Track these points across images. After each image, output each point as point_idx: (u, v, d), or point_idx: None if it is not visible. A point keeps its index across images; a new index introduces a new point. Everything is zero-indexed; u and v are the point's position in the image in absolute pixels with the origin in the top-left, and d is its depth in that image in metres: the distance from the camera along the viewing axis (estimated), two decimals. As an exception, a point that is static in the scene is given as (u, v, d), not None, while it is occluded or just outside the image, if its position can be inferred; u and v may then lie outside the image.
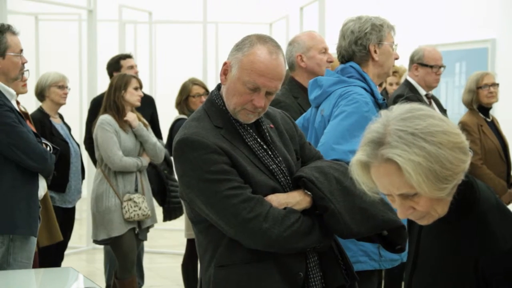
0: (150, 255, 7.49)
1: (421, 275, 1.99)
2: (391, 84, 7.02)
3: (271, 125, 2.48)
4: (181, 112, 6.17)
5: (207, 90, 6.16)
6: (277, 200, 2.35)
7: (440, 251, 1.95)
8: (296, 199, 2.37)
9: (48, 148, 4.01)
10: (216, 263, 2.39)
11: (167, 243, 9.30)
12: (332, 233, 2.40)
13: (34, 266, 4.13)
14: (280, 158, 2.42)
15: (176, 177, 6.06)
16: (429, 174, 1.78)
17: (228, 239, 2.34)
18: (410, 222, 2.09)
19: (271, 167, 2.39)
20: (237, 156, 2.35)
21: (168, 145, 6.24)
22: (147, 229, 5.84)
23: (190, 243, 6.08)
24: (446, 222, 1.91)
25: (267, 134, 2.44)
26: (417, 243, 2.05)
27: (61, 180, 5.44)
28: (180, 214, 6.27)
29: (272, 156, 2.41)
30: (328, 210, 2.34)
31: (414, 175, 1.78)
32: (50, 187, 4.69)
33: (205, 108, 2.45)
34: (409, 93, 5.17)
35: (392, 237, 2.46)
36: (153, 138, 5.77)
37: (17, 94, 4.11)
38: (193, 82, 6.17)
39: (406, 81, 5.40)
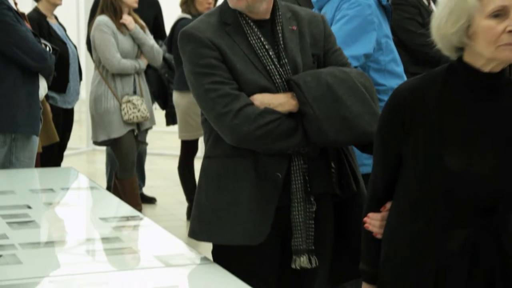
0: (150, 157, 7.57)
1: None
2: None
3: (294, 27, 2.46)
4: (186, 11, 6.10)
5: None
6: (260, 99, 2.37)
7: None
8: (280, 101, 2.38)
9: (48, 49, 4.02)
10: (205, 154, 2.50)
11: (166, 144, 9.39)
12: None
13: (36, 166, 4.20)
14: (285, 60, 2.42)
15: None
16: None
17: (216, 132, 2.41)
18: None
19: (268, 67, 2.40)
20: (231, 52, 2.38)
21: (168, 45, 6.20)
22: (146, 131, 5.89)
23: (185, 144, 6.15)
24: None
25: (280, 35, 2.44)
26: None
27: (61, 80, 5.45)
28: (182, 117, 6.30)
29: (273, 56, 2.41)
30: (306, 115, 2.36)
31: None
32: (51, 87, 4.71)
33: (221, 5, 2.48)
34: None
35: (368, 150, 2.47)
36: (150, 40, 5.75)
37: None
38: None
39: None
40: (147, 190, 6.79)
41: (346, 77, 2.40)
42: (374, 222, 2.22)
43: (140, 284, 2.11)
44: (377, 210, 2.23)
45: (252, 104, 2.36)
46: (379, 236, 2.21)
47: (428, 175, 2.07)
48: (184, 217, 6.08)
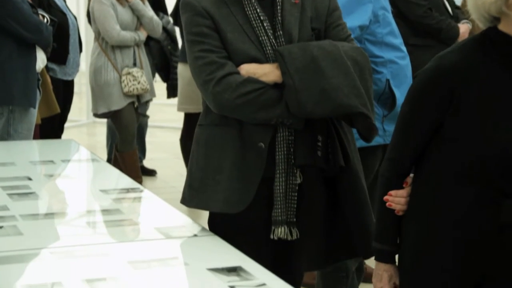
0: (151, 129, 7.58)
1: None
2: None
3: (296, 0, 2.46)
4: None
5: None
6: (246, 68, 2.38)
7: None
8: (264, 71, 2.38)
9: (45, 20, 4.00)
10: (198, 122, 2.54)
11: (166, 117, 9.39)
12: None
13: (35, 138, 4.20)
14: (280, 32, 2.42)
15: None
16: None
17: None
18: None
19: (260, 38, 2.40)
20: (224, 22, 2.39)
21: (174, 17, 6.17)
22: (146, 103, 5.89)
23: (187, 117, 6.14)
24: None
25: (278, 7, 2.43)
26: None
27: (61, 52, 5.43)
28: (183, 90, 6.29)
29: (267, 27, 2.41)
30: (286, 86, 2.36)
31: None
32: (51, 59, 4.70)
33: None
34: None
35: (356, 125, 2.46)
36: (149, 12, 5.72)
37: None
38: None
39: None
40: (147, 163, 6.80)
41: (333, 50, 2.39)
42: (398, 199, 2.17)
43: (141, 255, 2.12)
44: (398, 187, 2.18)
45: (237, 73, 2.37)
46: (401, 213, 2.17)
47: (480, 146, 2.02)
48: (184, 189, 6.09)
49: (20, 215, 2.46)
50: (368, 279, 4.05)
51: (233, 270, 2.01)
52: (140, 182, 5.08)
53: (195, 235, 2.34)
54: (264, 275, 1.98)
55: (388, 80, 3.34)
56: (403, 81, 3.42)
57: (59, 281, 1.90)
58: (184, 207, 2.62)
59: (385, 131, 3.37)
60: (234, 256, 2.14)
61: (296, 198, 2.42)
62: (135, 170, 5.65)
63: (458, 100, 2.05)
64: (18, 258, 2.08)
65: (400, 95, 3.37)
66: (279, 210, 2.41)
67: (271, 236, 2.42)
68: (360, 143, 3.27)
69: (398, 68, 3.40)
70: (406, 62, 3.46)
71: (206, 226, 2.45)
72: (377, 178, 3.47)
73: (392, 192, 2.17)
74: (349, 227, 2.49)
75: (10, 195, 2.71)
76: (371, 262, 4.22)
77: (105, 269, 2.02)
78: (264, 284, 1.91)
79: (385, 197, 2.18)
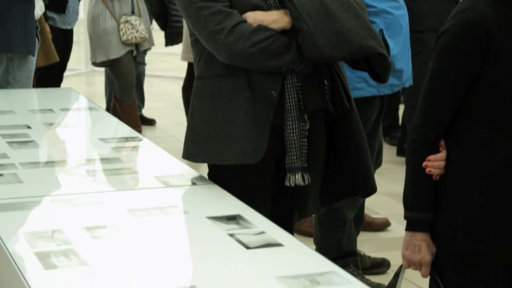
0: (150, 79, 7.55)
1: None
2: None
3: None
4: None
5: None
6: (253, 16, 2.35)
7: None
8: (273, 18, 2.36)
9: (43, -33, 3.95)
10: (197, 75, 2.49)
11: (166, 66, 9.35)
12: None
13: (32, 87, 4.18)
14: None
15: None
16: None
17: (208, 52, 2.40)
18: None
19: None
20: None
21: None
22: (145, 52, 5.86)
23: (190, 66, 6.10)
24: None
25: None
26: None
27: (60, 0, 5.38)
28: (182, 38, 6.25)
29: None
30: (301, 31, 2.34)
31: None
32: (50, 8, 4.66)
33: None
34: None
35: (374, 66, 2.45)
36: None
37: None
38: None
39: None
40: (146, 112, 6.80)
41: None
42: (438, 163, 2.11)
43: (140, 204, 2.13)
44: (433, 151, 2.12)
45: (245, 21, 2.34)
46: (437, 178, 2.12)
47: None
48: (184, 139, 6.10)
49: (19, 163, 2.47)
50: (367, 228, 4.10)
51: (233, 219, 2.02)
52: (139, 131, 5.09)
53: (195, 184, 2.35)
54: (263, 224, 2.00)
55: (381, 30, 3.31)
56: (398, 32, 3.40)
57: (59, 228, 1.91)
58: (183, 156, 2.62)
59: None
60: (233, 205, 2.15)
61: (306, 143, 2.43)
62: (134, 119, 5.65)
63: (495, 46, 2.02)
64: (19, 206, 2.09)
65: (394, 46, 3.35)
66: (294, 157, 2.41)
67: (287, 183, 2.42)
68: (359, 93, 3.28)
69: (392, 19, 3.37)
70: (401, 13, 3.43)
71: (205, 176, 2.46)
72: (374, 128, 3.51)
73: (431, 157, 2.11)
74: (350, 168, 2.51)
75: (9, 143, 2.71)
76: (369, 211, 4.26)
77: (105, 217, 2.03)
78: (263, 232, 1.93)
79: (424, 163, 2.11)
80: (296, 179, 2.42)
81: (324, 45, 2.31)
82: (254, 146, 2.36)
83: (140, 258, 1.76)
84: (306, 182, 2.43)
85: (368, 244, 3.96)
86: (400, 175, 5.15)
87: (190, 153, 2.48)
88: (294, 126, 2.40)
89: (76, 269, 1.68)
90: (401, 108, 6.12)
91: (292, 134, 2.40)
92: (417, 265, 2.16)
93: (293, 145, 2.40)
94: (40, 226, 1.94)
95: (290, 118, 2.39)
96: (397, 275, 2.26)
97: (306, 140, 2.42)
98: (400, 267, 2.25)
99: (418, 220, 2.14)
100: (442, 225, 2.14)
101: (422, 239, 2.14)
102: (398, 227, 4.09)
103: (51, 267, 1.68)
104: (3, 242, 1.83)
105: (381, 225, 4.22)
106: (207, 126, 2.43)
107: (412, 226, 2.16)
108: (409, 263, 2.17)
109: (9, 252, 1.76)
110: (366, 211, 3.97)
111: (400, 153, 5.75)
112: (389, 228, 4.21)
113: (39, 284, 1.60)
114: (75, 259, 1.73)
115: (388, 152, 5.54)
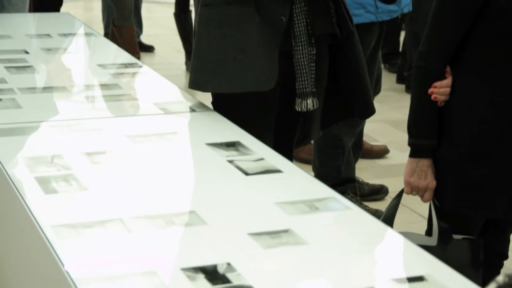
0: (147, 5, 7.48)
1: None
2: None
3: None
4: None
5: None
6: None
7: None
8: None
9: None
10: (202, 2, 2.43)
11: (164, -8, 9.24)
12: None
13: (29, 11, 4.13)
14: None
15: None
16: None
17: None
18: None
19: None
20: None
21: None
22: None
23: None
24: None
25: None
26: None
27: None
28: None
29: None
30: None
31: None
32: None
33: None
34: None
35: None
36: None
37: None
38: None
39: None
40: (145, 39, 6.74)
41: None
42: (443, 90, 2.10)
43: (139, 130, 2.13)
44: (440, 78, 2.11)
45: None
46: (442, 104, 2.12)
47: None
48: (183, 66, 6.07)
49: (18, 88, 2.46)
50: (366, 155, 4.12)
51: (232, 145, 2.02)
52: (138, 58, 5.05)
53: (194, 111, 2.34)
54: (263, 150, 2.00)
55: None
56: None
57: (59, 153, 1.92)
58: (182, 83, 2.61)
59: (377, 8, 3.34)
60: (233, 132, 2.15)
61: (314, 68, 2.42)
62: (133, 46, 5.60)
63: None
64: (18, 131, 2.09)
65: None
66: (306, 82, 2.40)
67: (298, 109, 2.41)
68: (357, 19, 3.25)
69: None
70: None
71: (204, 102, 2.45)
72: (373, 55, 3.49)
73: (437, 84, 2.10)
74: (350, 90, 2.51)
75: (7, 68, 2.69)
76: (368, 138, 4.27)
77: (104, 143, 2.04)
78: (262, 159, 1.93)
79: (430, 90, 2.10)
80: (308, 104, 2.41)
81: None
82: (267, 73, 2.34)
83: (139, 183, 1.77)
84: (315, 106, 2.43)
85: (366, 171, 3.99)
86: (399, 102, 5.18)
87: (199, 83, 2.43)
88: (304, 51, 2.38)
89: (76, 194, 1.69)
90: (402, 35, 6.07)
91: (302, 59, 2.38)
92: (421, 191, 2.17)
93: (304, 70, 2.39)
94: (39, 151, 1.94)
95: (300, 43, 2.38)
96: (396, 204, 2.27)
97: (313, 64, 2.41)
98: (399, 195, 2.27)
99: (424, 146, 2.15)
100: (446, 152, 2.14)
101: (428, 165, 2.16)
102: (397, 154, 4.10)
103: (51, 191, 1.69)
104: (3, 167, 1.83)
105: (380, 152, 4.24)
106: (216, 54, 2.38)
107: (417, 152, 2.17)
108: (413, 189, 2.18)
109: (9, 177, 1.77)
110: (365, 138, 3.98)
111: (399, 80, 5.73)
112: (388, 155, 4.22)
113: (39, 208, 1.61)
114: (75, 184, 1.74)
115: (388, 79, 5.53)
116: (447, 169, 2.15)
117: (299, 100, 2.41)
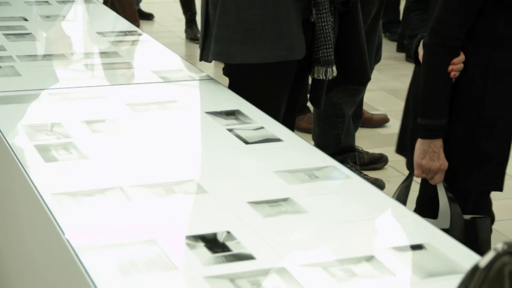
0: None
1: None
2: None
3: None
4: None
5: None
6: None
7: None
8: None
9: None
10: None
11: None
12: None
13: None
14: None
15: None
16: None
17: None
18: None
19: None
20: None
21: None
22: None
23: None
24: None
25: None
26: None
27: None
28: None
29: None
30: None
31: None
32: None
33: None
34: None
35: None
36: None
37: None
38: None
39: None
40: (144, 6, 6.70)
41: None
42: (459, 66, 2.06)
43: (139, 98, 2.13)
44: (455, 54, 2.06)
45: None
46: (453, 81, 2.08)
47: None
48: (183, 34, 6.04)
49: (17, 56, 2.45)
50: (366, 124, 4.12)
51: (232, 114, 2.02)
52: (137, 25, 5.03)
53: (194, 79, 2.34)
54: (263, 119, 2.00)
55: None
56: None
57: (58, 121, 1.91)
58: (182, 52, 2.60)
59: None
60: (232, 100, 2.15)
61: (332, 37, 2.41)
62: (132, 13, 5.57)
63: None
64: (17, 99, 2.09)
65: None
66: (329, 50, 2.39)
67: (321, 77, 2.39)
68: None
69: None
70: None
71: (204, 71, 2.44)
72: (374, 24, 3.47)
73: (455, 60, 2.05)
74: (350, 57, 2.49)
75: (6, 35, 2.68)
76: (368, 107, 4.26)
77: (103, 111, 2.03)
78: (262, 127, 1.93)
79: (450, 67, 2.05)
80: (333, 71, 2.40)
81: None
82: (299, 41, 2.32)
83: (139, 152, 1.77)
84: (335, 75, 2.42)
85: (366, 140, 3.98)
86: (399, 71, 5.16)
87: (226, 53, 2.34)
88: (327, 19, 2.36)
89: (76, 162, 1.69)
90: (402, 3, 6.03)
91: (327, 27, 2.37)
92: (432, 173, 2.13)
93: (328, 38, 2.37)
94: (39, 119, 1.94)
95: (324, 11, 2.35)
96: (407, 187, 2.24)
97: (332, 32, 2.40)
98: (407, 178, 2.23)
99: (437, 127, 2.10)
100: (459, 127, 2.11)
101: (440, 145, 2.11)
102: (397, 123, 4.08)
103: (51, 159, 1.69)
104: (3, 135, 1.83)
105: (380, 121, 4.23)
106: (244, 24, 2.32)
107: (430, 133, 2.12)
108: (425, 171, 2.14)
109: (9, 145, 1.77)
110: (364, 107, 3.97)
111: (400, 49, 5.70)
112: (388, 124, 4.22)
113: (39, 176, 1.61)
114: (75, 152, 1.74)
115: (388, 48, 5.50)
116: (457, 144, 2.12)
117: (323, 69, 2.38)
